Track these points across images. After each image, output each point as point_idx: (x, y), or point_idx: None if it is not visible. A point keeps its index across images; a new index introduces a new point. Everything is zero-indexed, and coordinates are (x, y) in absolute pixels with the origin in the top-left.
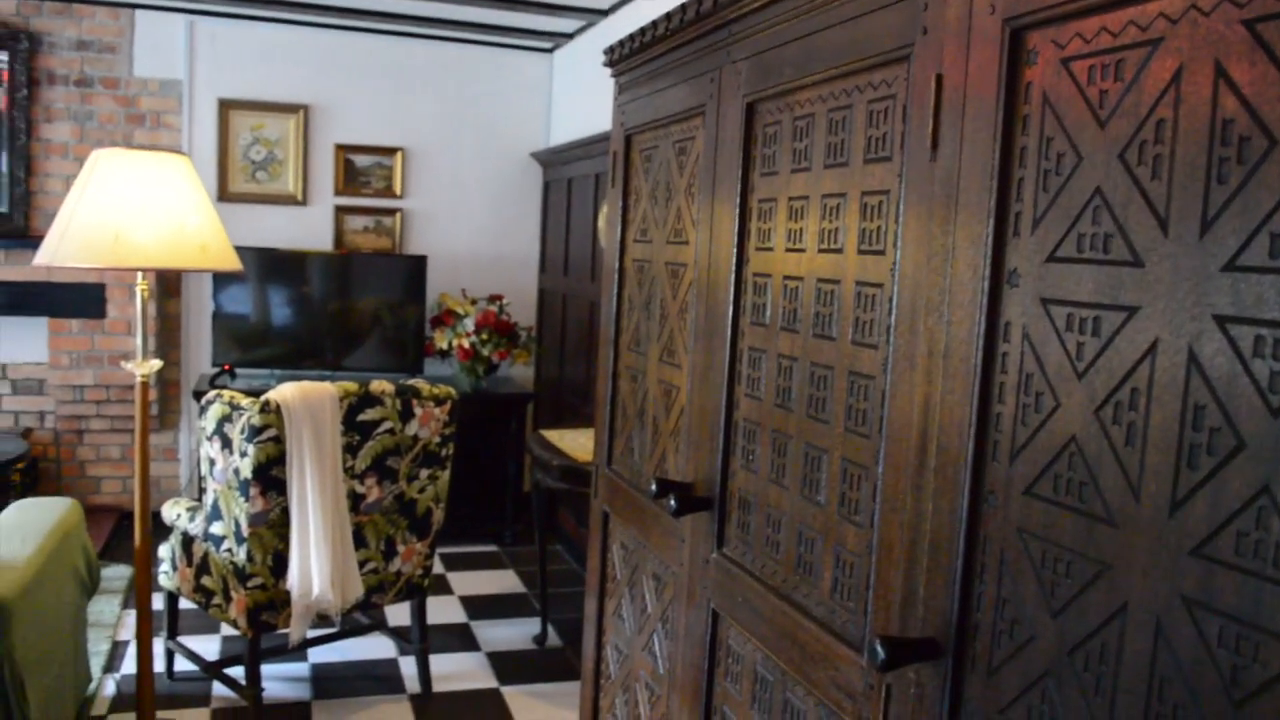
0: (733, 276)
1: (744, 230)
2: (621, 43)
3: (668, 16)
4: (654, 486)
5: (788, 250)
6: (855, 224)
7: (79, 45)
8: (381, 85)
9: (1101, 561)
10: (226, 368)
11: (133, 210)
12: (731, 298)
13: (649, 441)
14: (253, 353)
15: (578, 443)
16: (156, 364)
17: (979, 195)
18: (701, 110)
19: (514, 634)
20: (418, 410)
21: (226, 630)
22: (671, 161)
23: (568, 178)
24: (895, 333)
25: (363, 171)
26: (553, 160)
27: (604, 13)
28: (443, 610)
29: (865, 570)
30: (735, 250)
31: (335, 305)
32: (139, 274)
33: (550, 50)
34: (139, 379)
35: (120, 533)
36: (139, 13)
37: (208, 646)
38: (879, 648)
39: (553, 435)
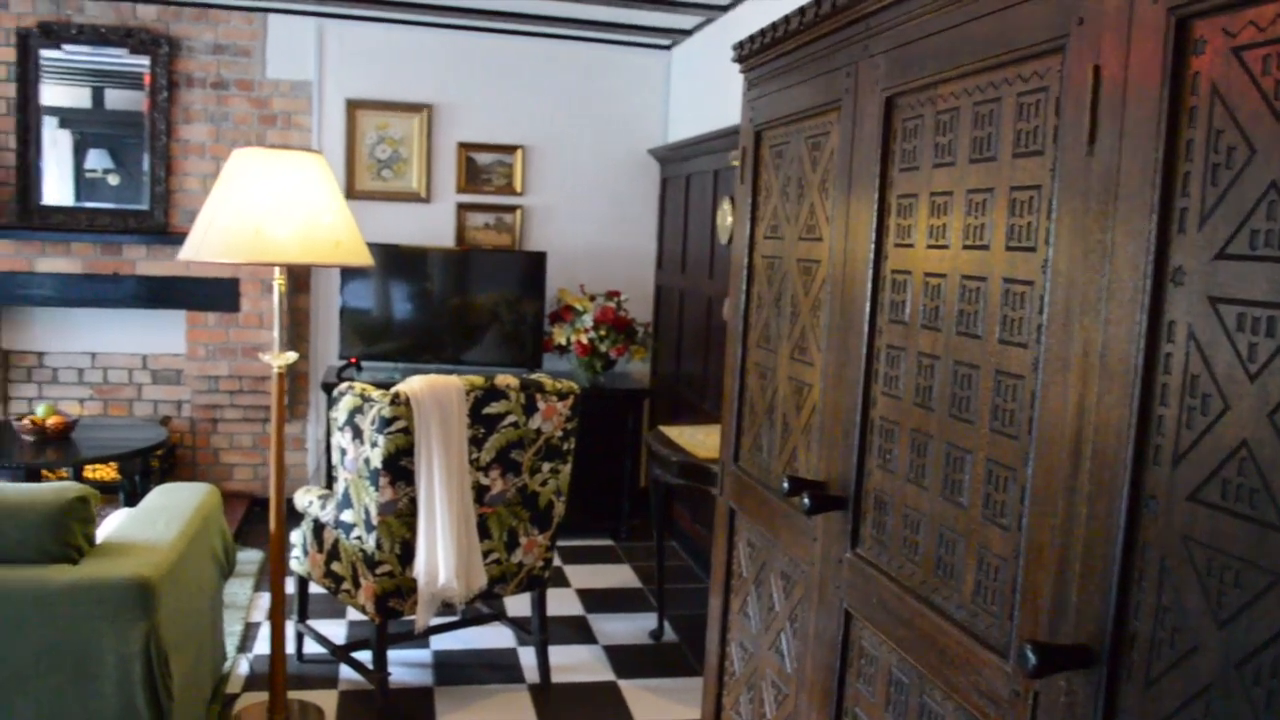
0: (870, 273)
1: (882, 226)
2: (751, 38)
3: (801, 11)
4: (786, 484)
5: (929, 247)
6: (1003, 220)
7: (215, 49)
8: (502, 84)
9: (1275, 572)
10: (353, 361)
11: (271, 207)
12: (869, 294)
13: (778, 439)
14: (376, 346)
15: (696, 439)
16: (292, 356)
17: (1140, 190)
18: (837, 105)
19: (630, 628)
20: (541, 404)
21: (353, 615)
22: (804, 157)
23: (686, 174)
24: (1047, 332)
25: (484, 169)
26: (671, 157)
27: (724, 8)
28: (560, 602)
29: (1011, 574)
30: (873, 246)
31: (456, 300)
32: (276, 269)
33: (668, 47)
34: (276, 370)
35: (251, 518)
36: (271, 17)
37: (335, 630)
38: (1030, 653)
39: (671, 431)
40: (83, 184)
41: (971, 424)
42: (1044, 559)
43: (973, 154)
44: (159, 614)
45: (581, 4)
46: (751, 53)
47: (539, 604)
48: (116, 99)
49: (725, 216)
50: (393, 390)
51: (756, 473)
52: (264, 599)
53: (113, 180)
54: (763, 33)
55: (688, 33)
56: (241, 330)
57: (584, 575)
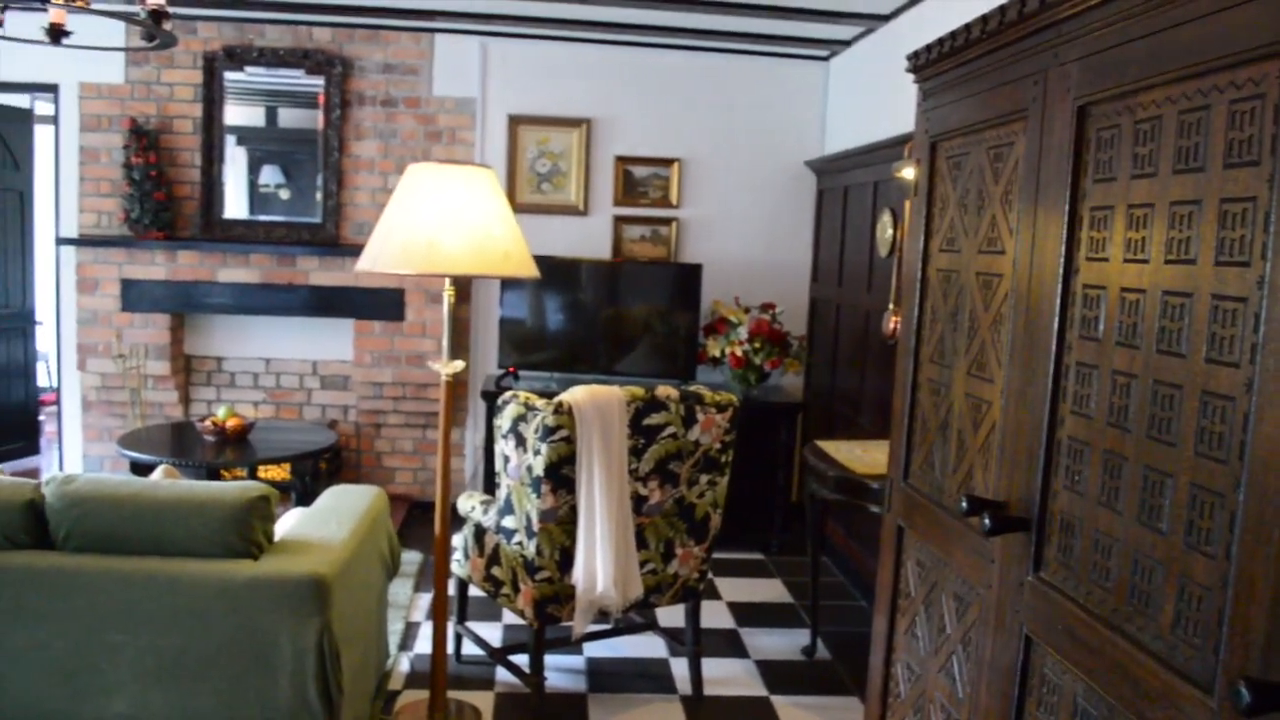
0: (1059, 288)
1: (1073, 239)
2: (928, 48)
3: (983, 19)
4: (964, 503)
5: (1126, 261)
6: (1212, 233)
7: (385, 68)
8: (660, 98)
9: None
10: (511, 370)
11: (444, 220)
12: (1057, 310)
13: (953, 456)
14: (531, 356)
15: (854, 454)
16: (459, 365)
17: None
18: (1023, 114)
19: (782, 643)
20: (700, 416)
21: (509, 619)
22: (985, 168)
23: (843, 186)
24: (1264, 351)
25: (640, 182)
26: (828, 168)
27: (885, 18)
28: (712, 615)
29: (1217, 605)
30: (1062, 260)
31: (609, 312)
32: (446, 280)
33: (827, 58)
34: (444, 378)
35: (410, 521)
36: (438, 37)
37: (491, 633)
38: (1243, 690)
39: (828, 446)
40: (256, 198)
41: (1173, 446)
42: (1257, 591)
43: (1177, 164)
44: (332, 610)
45: (741, 17)
46: (928, 62)
47: (693, 616)
48: (288, 117)
49: (885, 229)
50: (556, 399)
51: (928, 490)
52: (424, 599)
53: (284, 194)
54: (940, 42)
55: (846, 43)
56: (406, 339)
57: (735, 588)
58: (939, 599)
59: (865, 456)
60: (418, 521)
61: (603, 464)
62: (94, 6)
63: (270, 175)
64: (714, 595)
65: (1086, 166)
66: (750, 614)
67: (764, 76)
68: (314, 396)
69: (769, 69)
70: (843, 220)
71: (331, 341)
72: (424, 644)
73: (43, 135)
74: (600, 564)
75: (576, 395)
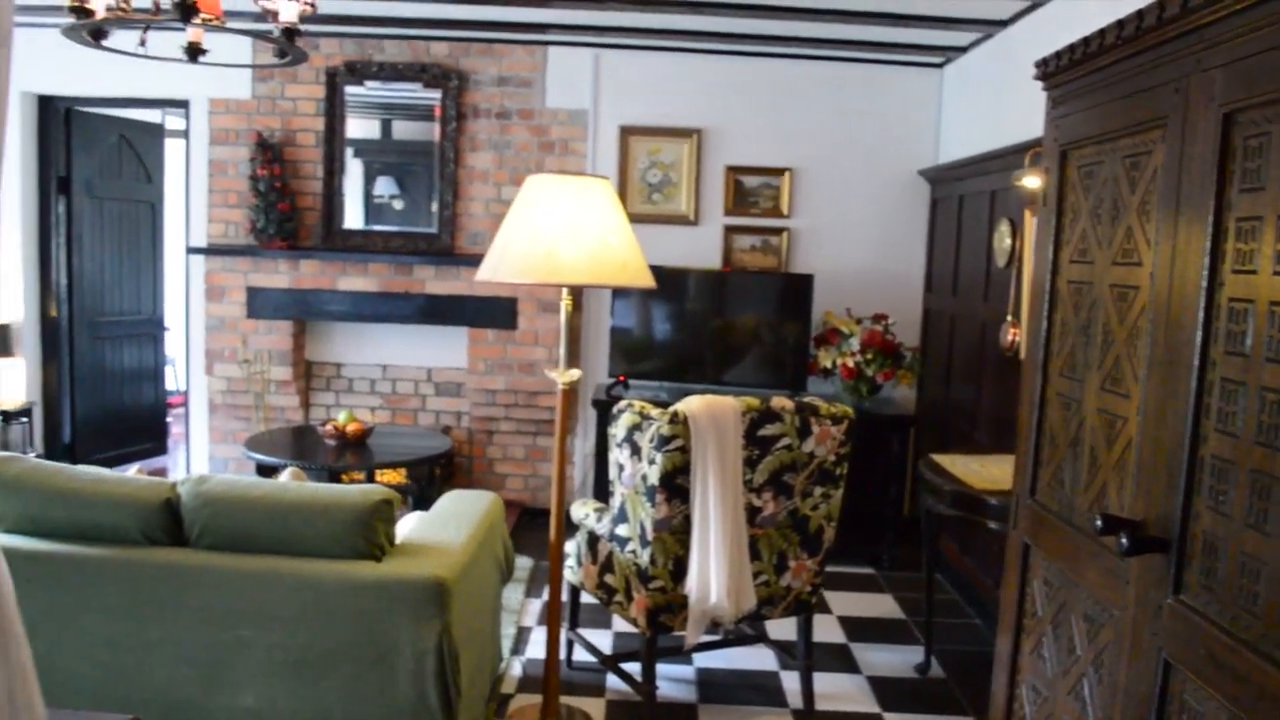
0: (1202, 301)
1: (1217, 251)
2: (1058, 54)
3: (1119, 24)
4: (1099, 522)
5: (1277, 273)
6: None
7: (499, 81)
8: (771, 107)
9: None
10: (621, 378)
11: (563, 230)
12: (1200, 324)
13: (1084, 473)
14: (640, 365)
15: (971, 469)
16: (576, 374)
17: None
18: (1161, 122)
19: (894, 660)
20: (815, 428)
21: (618, 626)
22: (1120, 177)
23: (958, 195)
24: None
25: (751, 192)
26: (942, 177)
27: (1003, 23)
28: (822, 629)
29: None
30: (1206, 273)
31: (718, 321)
32: (563, 289)
33: (941, 65)
34: (560, 387)
35: (521, 526)
36: (552, 49)
37: (602, 640)
38: None
39: (944, 460)
40: (371, 209)
41: None
42: None
43: None
44: (452, 613)
45: (854, 25)
46: (1058, 69)
47: (805, 629)
48: (403, 129)
49: (1003, 238)
50: (671, 409)
51: (1057, 508)
52: (534, 604)
53: (397, 205)
54: (1071, 48)
55: (962, 49)
56: (518, 347)
57: (846, 602)
58: (1068, 619)
59: (983, 471)
60: (527, 527)
61: (717, 474)
62: (229, 25)
63: (384, 186)
64: (824, 609)
65: (1232, 176)
66: (862, 629)
67: (876, 84)
68: (428, 403)
69: (882, 76)
70: (958, 230)
71: (446, 349)
72: (535, 649)
73: (172, 149)
74: (714, 574)
75: (692, 405)
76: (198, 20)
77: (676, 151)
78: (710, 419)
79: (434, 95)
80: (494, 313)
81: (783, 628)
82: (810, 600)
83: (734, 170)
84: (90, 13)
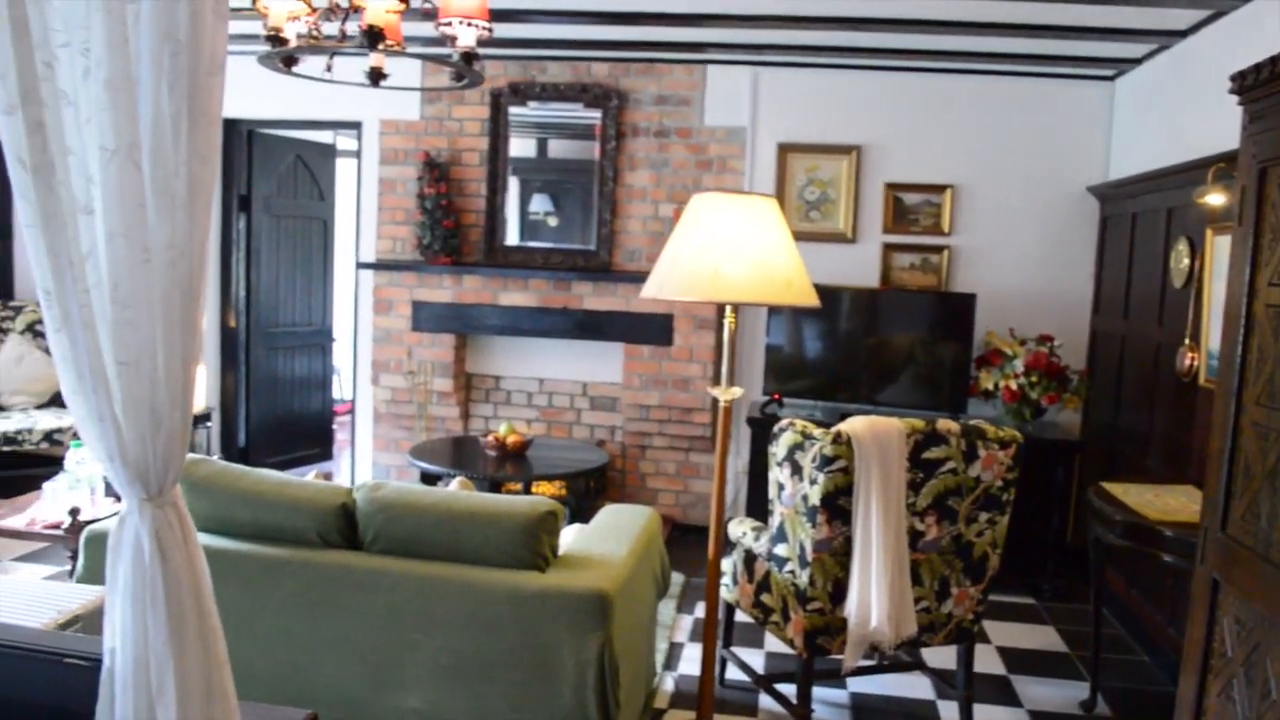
0: None
1: None
2: (1257, 67)
3: None
4: None
5: None
6: None
7: (658, 100)
8: (932, 123)
9: None
10: (776, 396)
11: (728, 248)
12: None
13: None
14: (792, 383)
15: (1144, 498)
16: (738, 391)
17: None
18: None
19: (1057, 695)
20: (981, 452)
21: (771, 646)
22: None
23: (1131, 212)
24: None
25: (911, 209)
26: (1113, 194)
27: (1181, 34)
28: (981, 659)
29: None
30: None
31: (874, 340)
32: (727, 307)
33: (1112, 78)
34: (723, 404)
35: (672, 542)
36: (710, 68)
37: (754, 659)
38: None
39: (1115, 488)
40: (526, 225)
41: None
42: None
43: None
44: (613, 626)
45: (1020, 38)
46: (1256, 83)
47: (966, 658)
48: (558, 148)
49: (1180, 258)
50: (835, 429)
51: (1252, 543)
52: (686, 620)
53: (552, 222)
54: (1273, 60)
55: (1136, 62)
56: (673, 363)
57: (1005, 632)
58: (1263, 661)
59: (1157, 501)
60: (678, 543)
61: (880, 497)
62: (408, 50)
63: (540, 203)
64: (982, 638)
65: None
66: (1022, 661)
67: (1043, 98)
68: (583, 416)
69: (1048, 90)
70: (1130, 249)
71: (601, 364)
72: (687, 665)
73: (343, 168)
74: (875, 598)
75: (855, 426)
76: (382, 46)
77: (835, 168)
78: (874, 440)
79: (594, 114)
80: (650, 329)
81: (940, 656)
82: (972, 629)
83: (893, 187)
84: (285, 41)
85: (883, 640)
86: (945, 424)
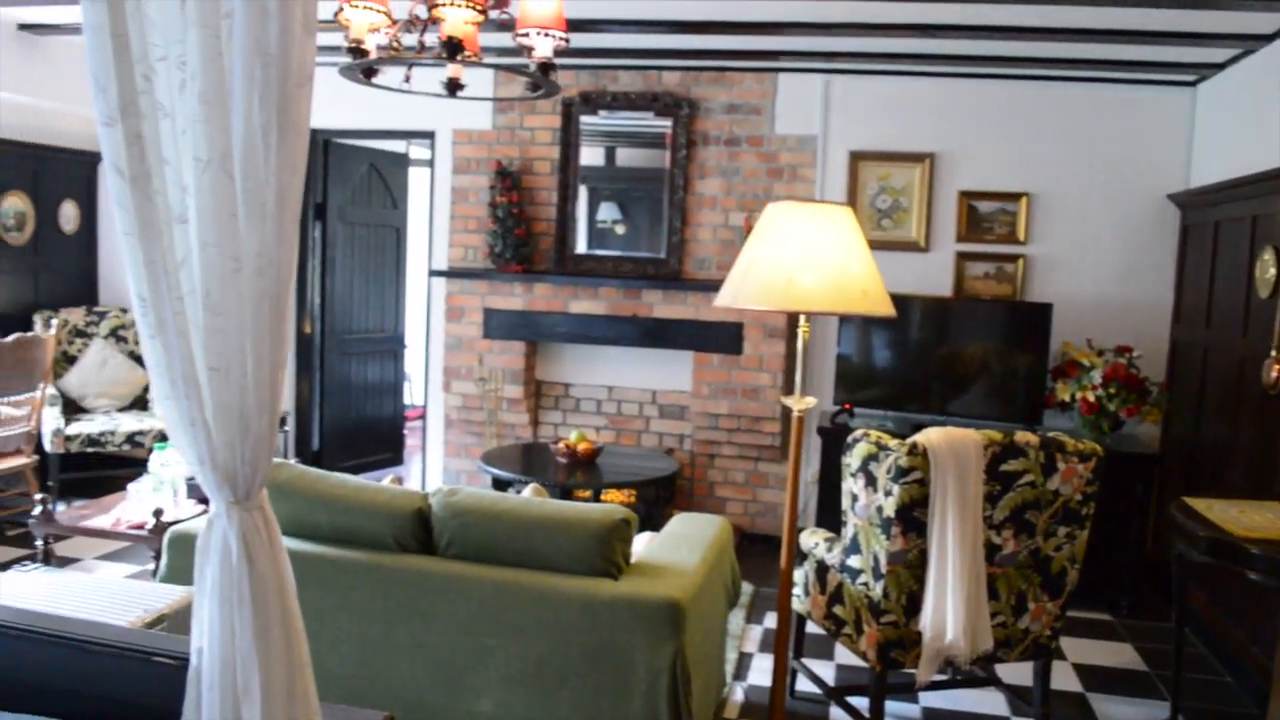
0: None
1: None
2: None
3: None
4: None
5: None
6: None
7: (729, 109)
8: (1006, 130)
9: None
10: (847, 406)
11: (803, 257)
12: None
13: None
14: (862, 393)
15: (1229, 514)
16: (811, 401)
17: None
18: None
19: (1136, 715)
20: (1060, 465)
21: (840, 658)
22: None
23: (1213, 220)
24: None
25: (985, 218)
26: (1195, 202)
27: (1267, 38)
28: (1057, 675)
29: None
30: None
31: (945, 350)
32: (801, 316)
33: (1194, 83)
34: (796, 414)
35: (740, 552)
36: (781, 76)
37: (824, 671)
38: None
39: (1199, 504)
40: (594, 233)
41: None
42: None
43: None
44: (686, 635)
45: (1098, 44)
46: None
47: (1042, 675)
48: (626, 156)
49: (1266, 268)
50: (910, 440)
51: None
52: (755, 631)
53: (619, 230)
54: None
55: (1219, 66)
56: (743, 372)
57: (1082, 649)
58: None
59: (1243, 518)
60: (746, 553)
61: (957, 509)
62: (484, 61)
63: (607, 212)
64: (1060, 655)
65: None
66: (1099, 679)
67: (1121, 105)
68: (652, 424)
69: (1127, 96)
70: (1212, 258)
71: (671, 372)
72: (756, 676)
73: (415, 177)
74: (950, 612)
75: (931, 437)
76: (460, 57)
77: (907, 176)
78: (951, 452)
79: (665, 123)
80: (720, 337)
81: (1015, 672)
82: (1049, 645)
83: (967, 195)
84: (365, 52)
85: (958, 655)
86: (1023, 436)
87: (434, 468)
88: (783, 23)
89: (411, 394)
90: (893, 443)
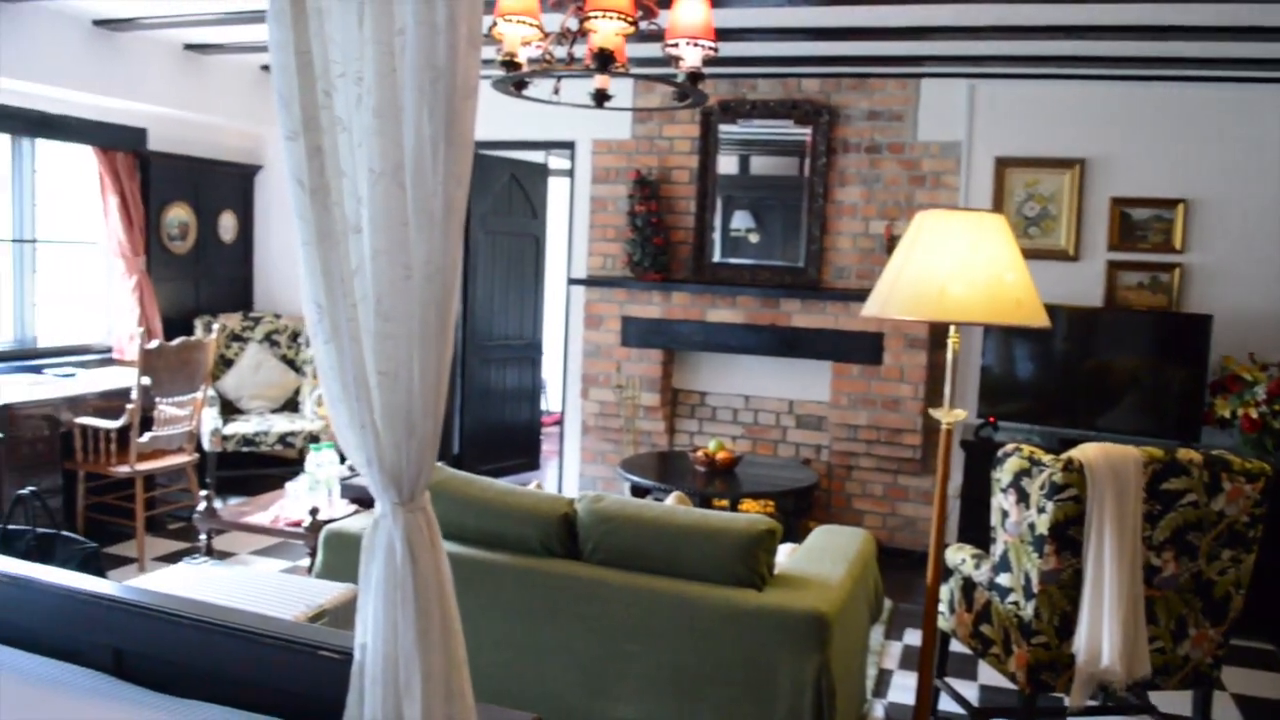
0: None
1: None
2: None
3: None
4: None
5: None
6: None
7: (870, 115)
8: (1162, 134)
9: None
10: (991, 420)
11: (955, 267)
12: None
13: None
14: (1005, 405)
15: None
16: (961, 413)
17: None
18: None
19: None
20: (1226, 484)
21: (984, 678)
22: None
23: None
24: None
25: (1139, 225)
26: None
27: None
28: (1216, 706)
29: None
30: None
31: (1093, 362)
32: (951, 327)
33: None
34: (944, 427)
35: (878, 566)
36: (924, 81)
37: (967, 691)
38: None
39: None
40: (727, 242)
41: None
42: None
43: None
44: (831, 649)
45: (1264, 42)
46: None
47: (1202, 705)
48: (760, 164)
49: None
50: (1065, 455)
51: None
52: (895, 647)
53: (753, 238)
54: None
55: None
56: (883, 383)
57: (1243, 680)
58: None
59: None
60: (885, 567)
61: (1114, 528)
62: (633, 71)
63: (741, 220)
64: (1219, 685)
65: None
66: (1263, 713)
67: None
68: (789, 434)
69: None
70: None
71: (808, 382)
72: (896, 693)
73: (552, 186)
74: (1106, 635)
75: (1088, 452)
76: (611, 68)
77: (1056, 183)
78: (1109, 469)
79: (804, 131)
80: (859, 347)
81: (1171, 700)
82: (1210, 673)
83: (1120, 202)
84: (518, 65)
85: (1113, 680)
86: (1186, 453)
87: (570, 473)
88: (925, 27)
89: (547, 400)
90: (1046, 458)
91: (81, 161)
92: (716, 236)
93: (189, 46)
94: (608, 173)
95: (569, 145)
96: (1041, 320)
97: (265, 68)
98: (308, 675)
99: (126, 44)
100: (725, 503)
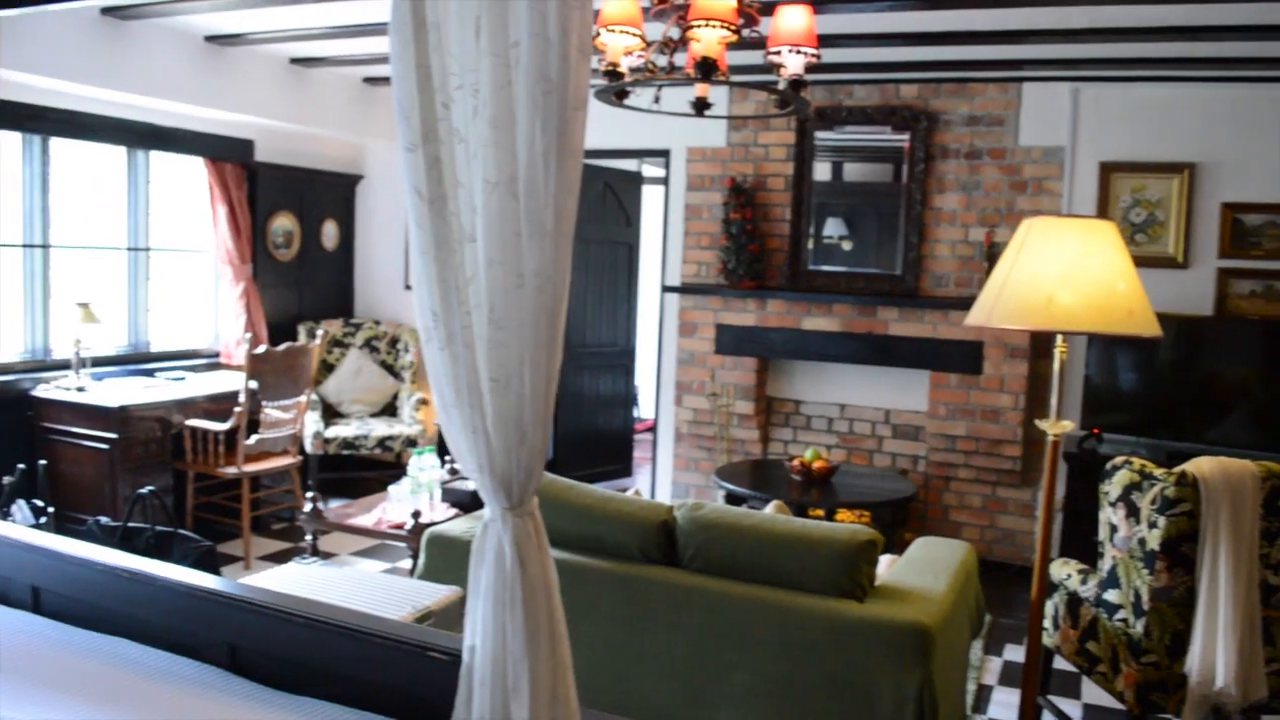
0: None
1: None
2: None
3: None
4: None
5: None
6: None
7: (969, 121)
8: (1277, 137)
9: None
10: (1095, 431)
11: (1063, 275)
12: None
13: None
14: (1109, 417)
15: None
16: (1068, 425)
17: None
18: None
19: None
20: None
21: (1088, 697)
22: None
23: None
24: None
25: (1253, 231)
26: None
27: None
28: None
29: None
30: None
31: (1202, 373)
32: (1058, 336)
33: None
34: (1051, 438)
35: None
36: (1026, 85)
37: (1071, 709)
38: None
39: None
40: (819, 249)
41: None
42: None
43: None
44: (934, 662)
45: None
46: None
47: None
48: (853, 171)
49: None
50: (1178, 469)
51: None
52: (994, 663)
53: (845, 246)
54: None
55: None
56: (982, 393)
57: None
58: None
59: None
60: (984, 581)
61: (1230, 545)
62: (734, 79)
63: (834, 227)
64: None
65: None
66: None
67: None
68: (884, 444)
69: None
70: None
71: (905, 391)
72: (996, 709)
73: (646, 194)
74: (1221, 655)
75: (1203, 467)
76: (714, 77)
77: (1164, 188)
78: (1225, 483)
79: (902, 137)
80: (958, 356)
81: None
82: None
83: (1232, 208)
84: (621, 74)
85: (1227, 702)
86: None
87: (663, 481)
88: (1027, 30)
89: (640, 407)
90: (1158, 471)
91: (192, 172)
92: (810, 244)
93: (294, 60)
94: (702, 180)
95: (664, 153)
96: (1153, 330)
97: (368, 80)
98: (416, 675)
99: (235, 58)
100: (821, 512)
